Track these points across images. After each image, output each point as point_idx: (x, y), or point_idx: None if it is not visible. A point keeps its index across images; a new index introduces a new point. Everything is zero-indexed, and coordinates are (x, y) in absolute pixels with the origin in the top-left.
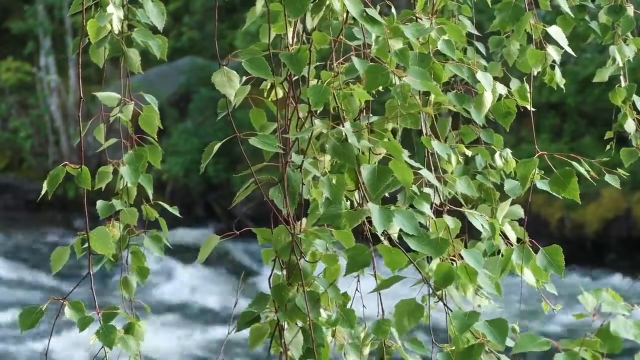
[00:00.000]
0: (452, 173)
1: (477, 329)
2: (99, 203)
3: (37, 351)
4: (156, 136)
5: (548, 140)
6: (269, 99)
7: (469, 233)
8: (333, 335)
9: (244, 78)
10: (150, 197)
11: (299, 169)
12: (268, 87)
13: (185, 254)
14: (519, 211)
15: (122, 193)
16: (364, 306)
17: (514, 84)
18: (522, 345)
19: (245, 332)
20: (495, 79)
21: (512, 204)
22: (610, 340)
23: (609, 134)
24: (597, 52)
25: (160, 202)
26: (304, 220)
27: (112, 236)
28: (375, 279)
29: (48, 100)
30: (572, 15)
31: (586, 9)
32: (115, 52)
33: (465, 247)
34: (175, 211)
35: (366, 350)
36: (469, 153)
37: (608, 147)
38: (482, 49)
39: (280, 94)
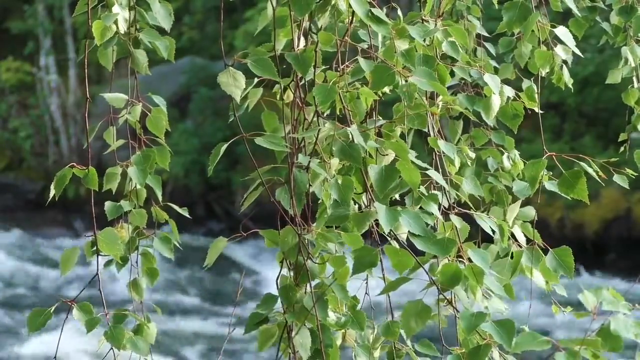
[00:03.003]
0: (456, 174)
1: (484, 330)
2: (107, 204)
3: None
4: (163, 137)
5: (548, 141)
6: (282, 102)
7: (482, 236)
8: (343, 338)
9: (255, 80)
10: (159, 198)
11: (305, 170)
12: (280, 89)
13: (185, 254)
14: (531, 212)
15: (130, 194)
16: (372, 307)
17: (527, 85)
18: (522, 344)
19: (242, 330)
20: (508, 81)
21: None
22: (611, 340)
23: (622, 136)
24: (597, 51)
25: (170, 204)
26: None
27: (121, 238)
28: (384, 280)
29: (48, 100)
30: (581, 16)
31: (597, 10)
32: (122, 53)
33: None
34: (184, 212)
35: (376, 353)
36: (472, 155)
37: (622, 148)
38: (492, 50)
39: (292, 96)
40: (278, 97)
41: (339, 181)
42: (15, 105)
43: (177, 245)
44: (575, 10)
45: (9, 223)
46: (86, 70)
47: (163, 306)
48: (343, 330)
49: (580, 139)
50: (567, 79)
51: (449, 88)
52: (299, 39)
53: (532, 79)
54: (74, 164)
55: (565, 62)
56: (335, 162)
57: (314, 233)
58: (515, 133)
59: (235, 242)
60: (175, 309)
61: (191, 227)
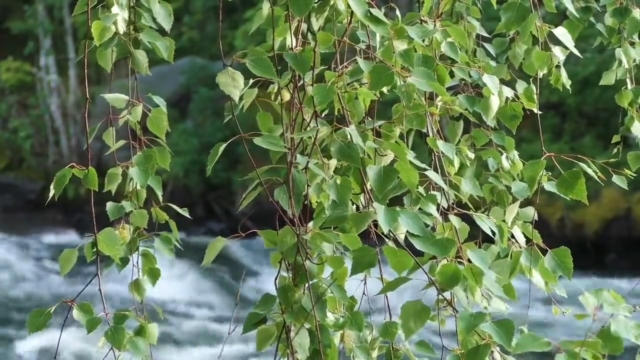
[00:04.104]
0: (455, 174)
1: (483, 330)
2: (109, 205)
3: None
4: (164, 137)
5: (548, 141)
6: (277, 102)
7: (483, 236)
8: (342, 339)
9: (251, 80)
10: (160, 199)
11: (303, 170)
12: (275, 90)
13: (184, 254)
14: (530, 213)
15: (131, 195)
16: (371, 308)
17: (521, 86)
18: (523, 345)
19: (242, 329)
20: (502, 81)
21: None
22: (611, 341)
23: (615, 138)
24: (597, 51)
25: (170, 204)
26: (310, 223)
27: (123, 238)
28: (382, 281)
29: (48, 100)
30: (578, 16)
31: (591, 11)
32: (122, 53)
33: None
34: (185, 212)
35: (374, 354)
36: (471, 156)
37: (615, 150)
38: (492, 50)
39: (287, 97)
40: (273, 97)
41: (338, 182)
42: (15, 105)
43: (178, 245)
44: (572, 10)
45: (9, 223)
46: (85, 71)
47: (161, 306)
48: (342, 331)
49: (580, 139)
50: (565, 79)
51: (449, 89)
52: (297, 38)
53: (531, 80)
54: (74, 164)
55: (559, 62)
56: (333, 163)
57: (312, 233)
58: (515, 133)
59: (236, 241)
60: (174, 309)
61: (191, 227)
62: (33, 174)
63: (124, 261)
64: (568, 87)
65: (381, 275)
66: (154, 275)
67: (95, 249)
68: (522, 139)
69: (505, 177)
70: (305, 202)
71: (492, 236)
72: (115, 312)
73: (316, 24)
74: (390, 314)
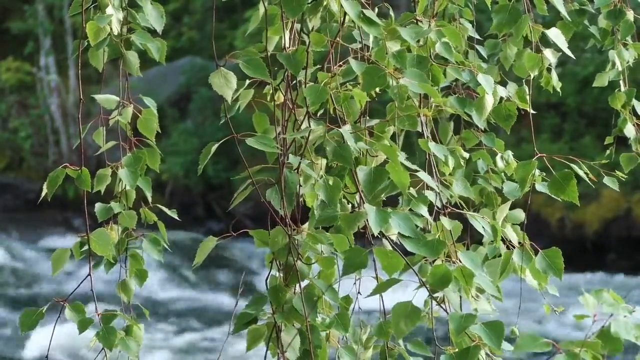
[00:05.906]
0: (449, 175)
1: (473, 332)
2: (98, 206)
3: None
4: (154, 139)
5: (548, 140)
6: (272, 103)
7: (471, 238)
8: (327, 339)
9: (247, 81)
10: (149, 200)
11: (296, 170)
12: (271, 90)
13: (184, 253)
14: (520, 215)
15: (120, 196)
16: (359, 308)
17: (511, 87)
18: (523, 346)
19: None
20: None
21: (512, 204)
22: (611, 342)
23: (608, 139)
24: (597, 52)
25: (159, 205)
26: (305, 225)
27: (111, 239)
28: (377, 281)
29: (48, 100)
30: (570, 19)
31: (585, 13)
32: (114, 54)
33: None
34: (173, 214)
35: (369, 353)
36: (466, 155)
37: (608, 151)
38: (483, 52)
39: (282, 98)
40: (268, 98)
41: (330, 182)
42: (15, 105)
43: (166, 247)
44: (563, 12)
45: (9, 223)
46: (79, 72)
47: (160, 306)
48: (328, 331)
49: (580, 139)
50: (555, 82)
51: (441, 89)
52: (291, 39)
53: (524, 80)
54: (67, 164)
55: (550, 65)
56: (323, 163)
57: (304, 234)
58: (514, 133)
59: (237, 241)
60: (173, 308)
61: (191, 227)
62: (33, 174)
63: (113, 260)
64: (558, 89)
65: (377, 275)
66: (142, 276)
67: (85, 249)
68: (522, 139)
69: (494, 179)
70: (298, 202)
71: (487, 235)
72: (103, 312)
73: (310, 24)
74: (385, 313)
